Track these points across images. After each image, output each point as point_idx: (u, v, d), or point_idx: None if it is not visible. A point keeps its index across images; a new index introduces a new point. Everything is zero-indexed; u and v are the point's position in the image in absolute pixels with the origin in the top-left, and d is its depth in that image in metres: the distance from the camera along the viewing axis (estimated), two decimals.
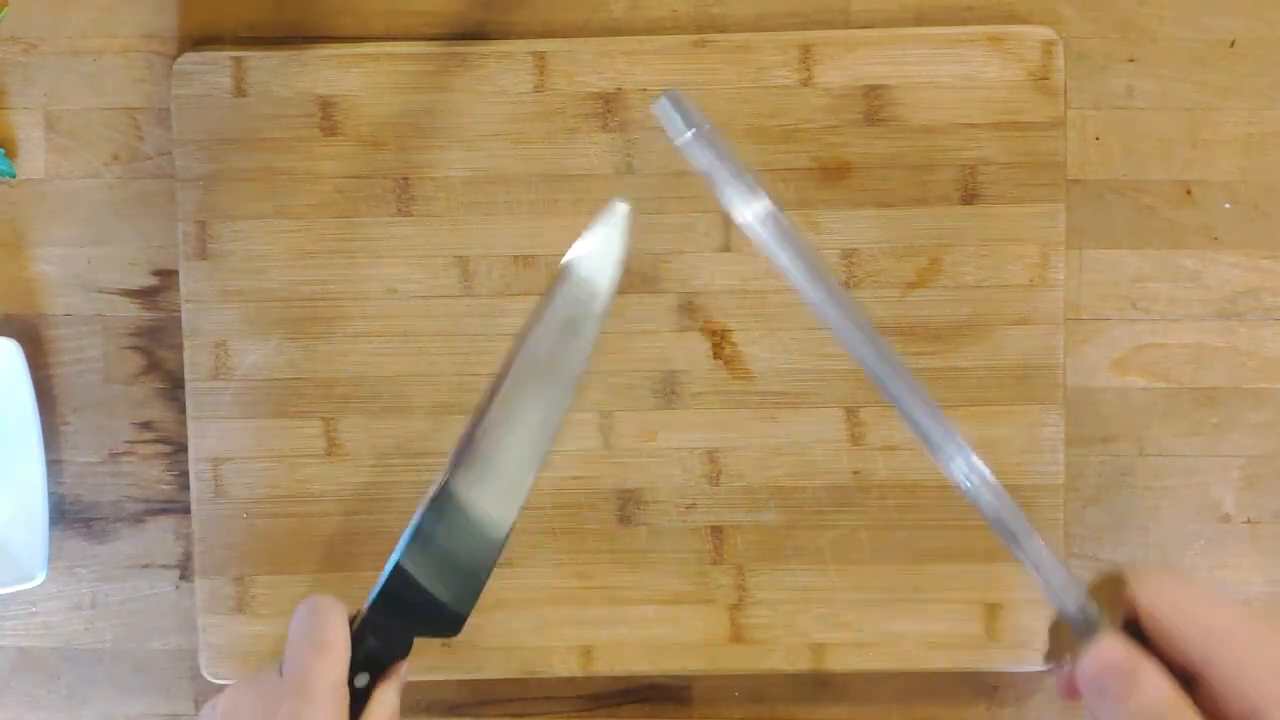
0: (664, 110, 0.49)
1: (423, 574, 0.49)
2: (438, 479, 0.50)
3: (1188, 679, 0.38)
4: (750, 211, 0.48)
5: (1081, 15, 0.67)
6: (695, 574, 0.66)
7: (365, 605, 0.49)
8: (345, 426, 0.67)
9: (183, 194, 0.66)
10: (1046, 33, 0.65)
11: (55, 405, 0.68)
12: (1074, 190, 0.67)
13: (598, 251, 0.51)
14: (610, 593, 0.66)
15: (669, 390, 0.66)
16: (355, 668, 0.48)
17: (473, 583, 0.50)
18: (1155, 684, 0.37)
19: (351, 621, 0.48)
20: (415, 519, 0.50)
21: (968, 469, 0.45)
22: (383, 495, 0.67)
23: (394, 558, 0.49)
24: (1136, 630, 0.39)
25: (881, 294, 0.66)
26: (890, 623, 0.66)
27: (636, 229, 0.66)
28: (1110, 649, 0.38)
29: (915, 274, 0.66)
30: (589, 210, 0.66)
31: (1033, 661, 0.66)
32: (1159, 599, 0.38)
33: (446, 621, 0.49)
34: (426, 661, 0.67)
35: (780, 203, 0.51)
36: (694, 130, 0.48)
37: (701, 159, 0.48)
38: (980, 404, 0.66)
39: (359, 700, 0.47)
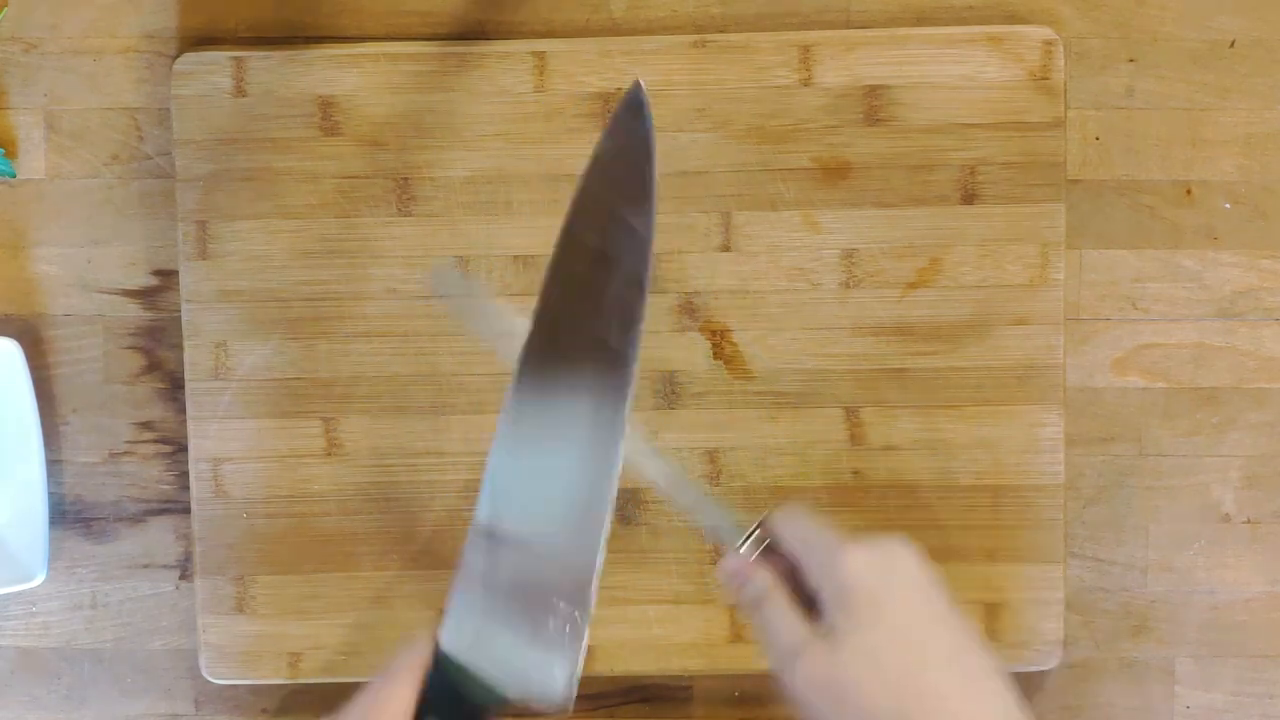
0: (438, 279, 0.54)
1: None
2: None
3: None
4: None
5: (1081, 15, 0.67)
6: (695, 574, 0.66)
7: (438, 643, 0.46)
8: (345, 426, 0.67)
9: (183, 194, 0.66)
10: (1046, 33, 0.65)
11: (55, 405, 0.68)
12: (1074, 190, 0.67)
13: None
14: (610, 593, 0.66)
15: (669, 390, 0.66)
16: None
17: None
18: (759, 579, 0.51)
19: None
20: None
21: (644, 450, 0.55)
22: (383, 495, 0.67)
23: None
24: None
25: (881, 294, 0.66)
26: None
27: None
28: (730, 559, 0.52)
29: (915, 274, 0.66)
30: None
31: (1033, 661, 0.66)
32: (783, 525, 0.52)
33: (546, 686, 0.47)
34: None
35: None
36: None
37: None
38: (980, 404, 0.66)
39: None
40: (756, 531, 0.52)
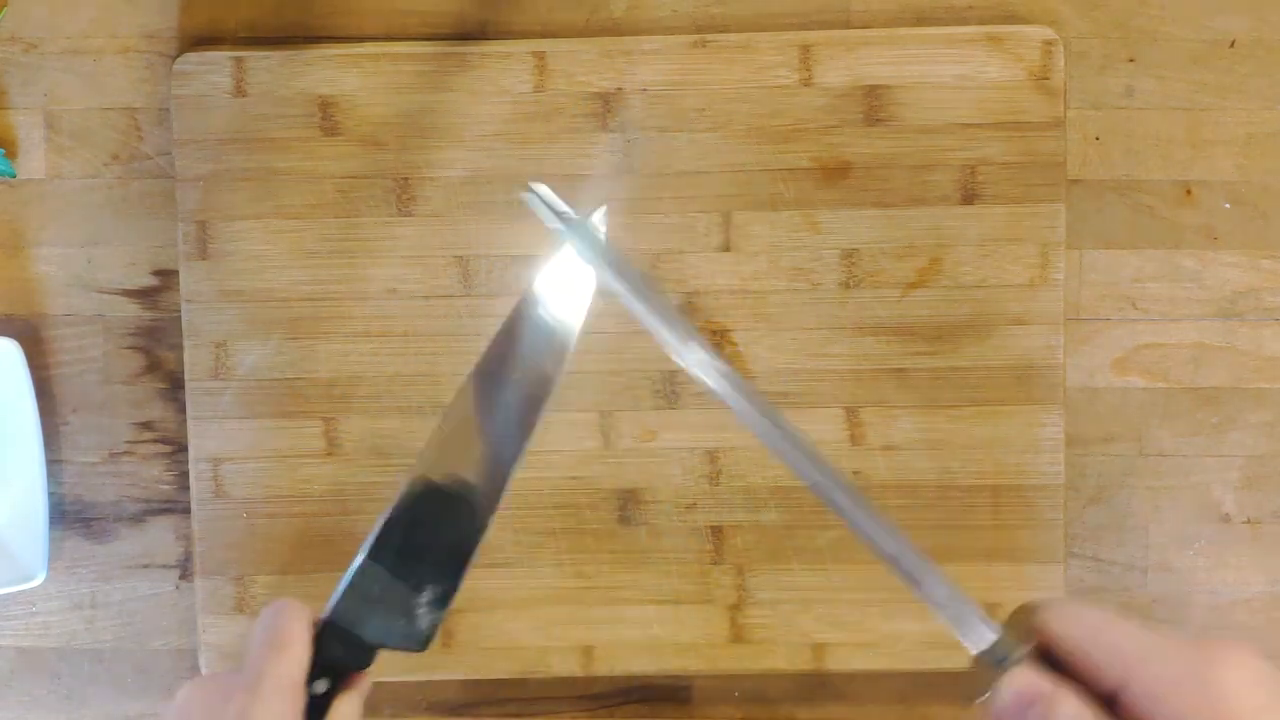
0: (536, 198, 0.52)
1: (384, 582, 0.49)
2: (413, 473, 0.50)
3: (1108, 702, 0.39)
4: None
5: (1081, 15, 0.67)
6: (695, 574, 0.66)
7: (328, 608, 0.49)
8: (345, 426, 0.67)
9: (183, 194, 0.66)
10: (1046, 33, 0.65)
11: (55, 405, 0.68)
12: (1074, 190, 0.67)
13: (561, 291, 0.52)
14: (610, 593, 0.66)
15: (669, 390, 0.66)
16: (316, 673, 0.47)
17: (438, 596, 0.49)
18: (1071, 707, 0.38)
19: (316, 626, 0.48)
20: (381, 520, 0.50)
21: (889, 535, 0.45)
22: (383, 495, 0.67)
23: (358, 557, 0.49)
24: (1053, 662, 0.40)
25: (881, 294, 0.66)
26: (890, 623, 0.66)
27: (640, 230, 0.66)
28: (1024, 677, 0.39)
29: (915, 274, 0.66)
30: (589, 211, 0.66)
31: None
32: (1070, 625, 0.40)
33: (412, 634, 0.49)
34: (427, 661, 0.67)
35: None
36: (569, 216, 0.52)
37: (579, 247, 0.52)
38: (980, 404, 0.66)
39: (320, 708, 0.47)
40: (1017, 637, 0.40)
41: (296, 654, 0.46)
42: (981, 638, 0.41)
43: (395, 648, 0.49)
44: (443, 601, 0.49)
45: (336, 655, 0.48)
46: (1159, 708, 0.38)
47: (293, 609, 0.47)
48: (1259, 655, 0.38)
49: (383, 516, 0.50)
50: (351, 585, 0.49)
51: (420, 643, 0.49)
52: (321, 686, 0.47)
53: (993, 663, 0.40)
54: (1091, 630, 0.39)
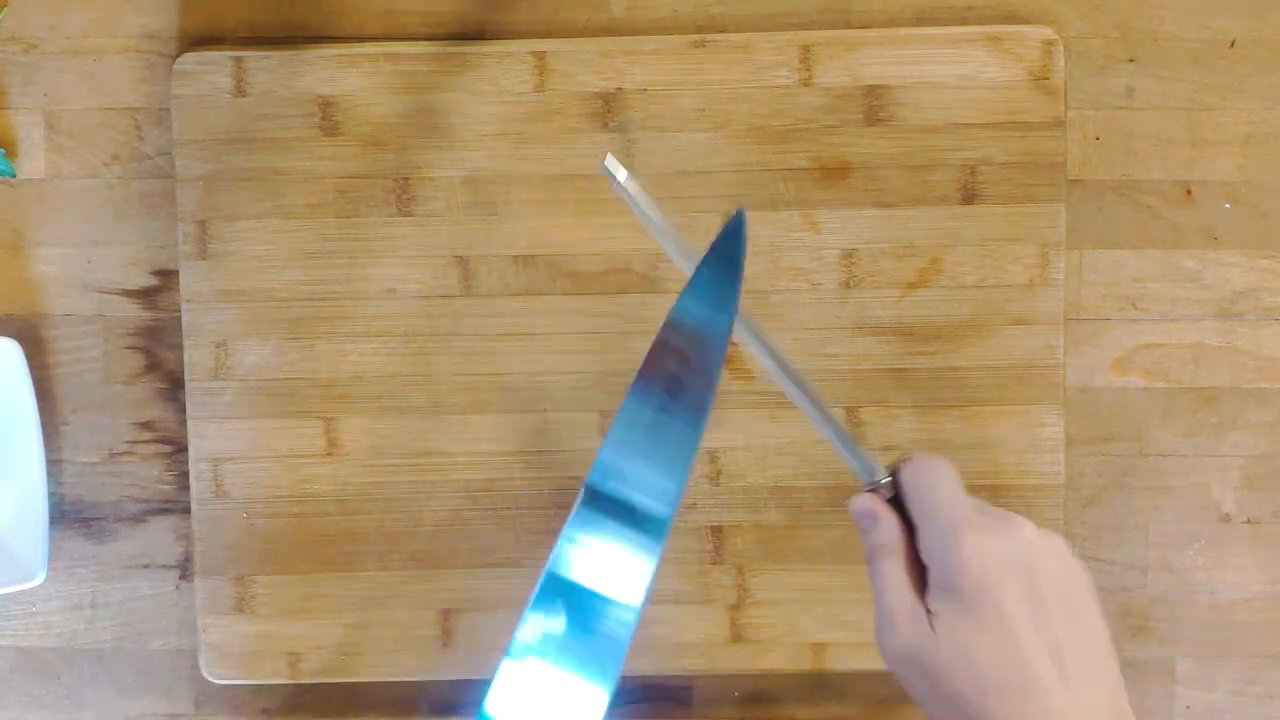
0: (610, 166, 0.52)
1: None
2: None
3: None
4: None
5: (1081, 15, 0.67)
6: (695, 574, 0.66)
7: None
8: (345, 426, 0.67)
9: (183, 194, 0.66)
10: (1046, 33, 0.65)
11: (55, 405, 0.68)
12: (1074, 190, 0.67)
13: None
14: None
15: None
16: None
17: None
18: (885, 527, 0.50)
19: None
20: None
21: (781, 365, 0.53)
22: (383, 495, 0.67)
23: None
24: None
25: (881, 294, 0.66)
26: None
27: (631, 228, 0.66)
28: (865, 499, 0.51)
29: (915, 274, 0.66)
30: (589, 210, 0.66)
31: None
32: (913, 473, 0.50)
33: None
34: (427, 661, 0.67)
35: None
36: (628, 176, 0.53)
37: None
38: (980, 404, 0.66)
39: None
40: (889, 477, 0.51)
41: None
42: (868, 472, 0.52)
43: None
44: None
45: None
46: (926, 554, 0.49)
47: None
48: (1028, 533, 0.48)
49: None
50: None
51: None
52: None
53: (866, 488, 0.52)
54: (926, 480, 0.50)
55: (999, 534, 0.48)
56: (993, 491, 0.66)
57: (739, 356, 0.66)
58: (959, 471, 0.50)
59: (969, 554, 0.47)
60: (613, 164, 0.52)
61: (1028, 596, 0.47)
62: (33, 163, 0.68)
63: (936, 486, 0.49)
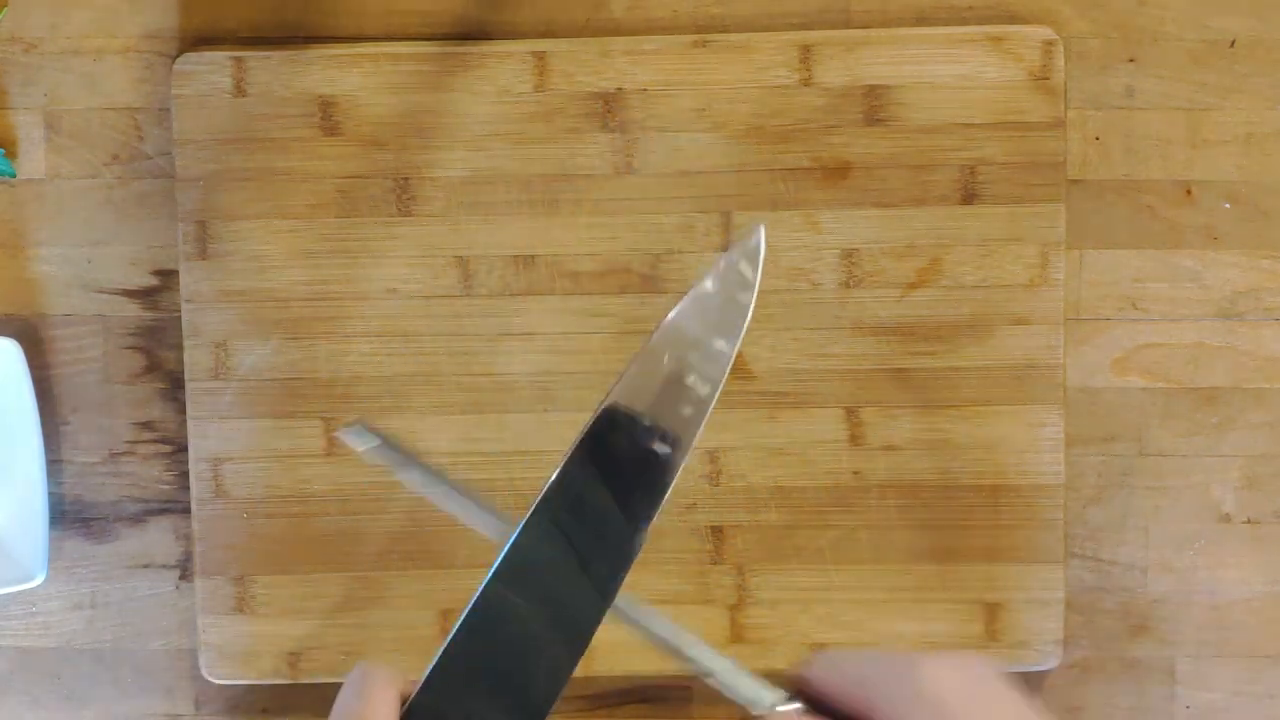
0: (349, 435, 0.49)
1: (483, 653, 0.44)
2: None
3: None
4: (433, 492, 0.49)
5: (1081, 15, 0.67)
6: (695, 574, 0.66)
7: (418, 683, 0.44)
8: None
9: (183, 194, 0.66)
10: (1046, 33, 0.65)
11: (55, 405, 0.68)
12: (1074, 190, 0.67)
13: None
14: None
15: None
16: None
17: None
18: None
19: (403, 701, 0.44)
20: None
21: (633, 610, 0.47)
22: (383, 495, 0.67)
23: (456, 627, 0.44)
24: (829, 710, 0.43)
25: (881, 294, 0.66)
26: (890, 623, 0.66)
27: (631, 228, 0.66)
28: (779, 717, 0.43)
29: (915, 274, 0.66)
30: (589, 210, 0.66)
31: (1033, 661, 0.66)
32: (821, 670, 0.43)
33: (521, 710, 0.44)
34: (427, 661, 0.67)
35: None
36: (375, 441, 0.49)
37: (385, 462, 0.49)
38: (980, 404, 0.66)
39: None
40: (788, 691, 0.44)
41: None
42: (761, 700, 0.44)
43: None
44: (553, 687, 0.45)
45: None
46: (890, 712, 0.41)
47: (377, 681, 0.43)
48: (976, 659, 0.43)
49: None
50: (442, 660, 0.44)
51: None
52: None
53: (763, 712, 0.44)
54: (838, 669, 0.43)
55: (953, 659, 0.43)
56: (993, 492, 0.66)
57: (739, 356, 0.66)
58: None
59: (941, 678, 0.42)
60: (352, 436, 0.49)
61: (1009, 712, 0.42)
62: (33, 163, 0.68)
63: (858, 659, 0.44)
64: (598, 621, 0.47)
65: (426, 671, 0.44)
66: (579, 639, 0.47)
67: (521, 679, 0.45)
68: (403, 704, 0.43)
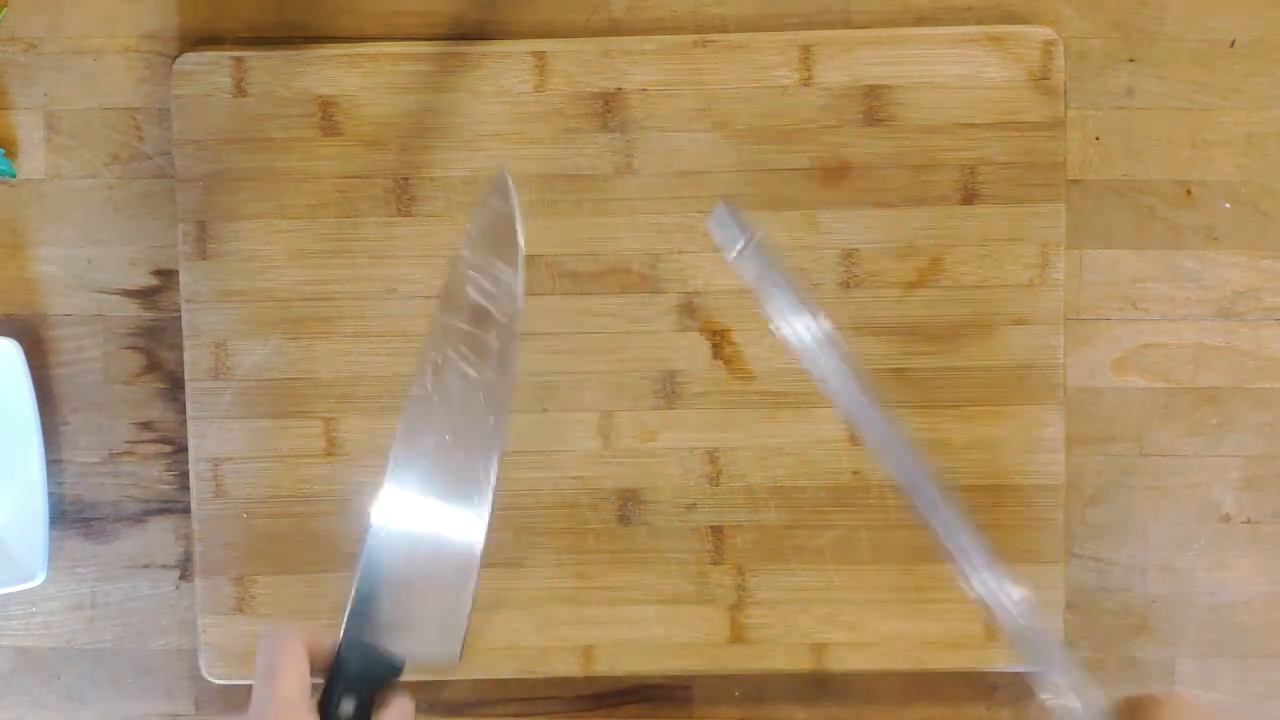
0: (718, 221, 0.51)
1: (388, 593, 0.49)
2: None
3: None
4: (797, 324, 0.50)
5: (1081, 15, 0.67)
6: (695, 574, 0.66)
7: (341, 625, 0.48)
8: (345, 426, 0.67)
9: (183, 194, 0.66)
10: (1046, 33, 0.65)
11: (55, 405, 0.68)
12: (1074, 190, 0.67)
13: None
14: (610, 593, 0.66)
15: (669, 390, 0.66)
16: (340, 694, 0.46)
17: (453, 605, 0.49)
18: None
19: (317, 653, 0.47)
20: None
21: (996, 586, 0.48)
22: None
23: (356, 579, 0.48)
24: None
25: (881, 294, 0.66)
26: (890, 623, 0.66)
27: (631, 228, 0.66)
28: None
29: (915, 274, 0.66)
30: (589, 210, 0.66)
31: None
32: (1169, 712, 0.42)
33: (434, 642, 0.48)
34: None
35: (818, 311, 0.52)
36: (745, 240, 0.51)
37: (751, 271, 0.51)
38: (980, 404, 0.66)
39: None
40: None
41: (292, 679, 0.45)
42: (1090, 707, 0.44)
43: (423, 659, 0.48)
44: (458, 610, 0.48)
45: (357, 671, 0.47)
46: None
47: (281, 633, 0.47)
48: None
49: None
50: (358, 601, 0.48)
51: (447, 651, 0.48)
52: (349, 707, 0.46)
53: None
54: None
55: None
56: (993, 492, 0.66)
57: (739, 356, 0.66)
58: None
59: None
60: (719, 224, 0.51)
61: None
62: (33, 163, 0.68)
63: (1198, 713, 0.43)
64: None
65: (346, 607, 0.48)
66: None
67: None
68: (317, 657, 0.47)
